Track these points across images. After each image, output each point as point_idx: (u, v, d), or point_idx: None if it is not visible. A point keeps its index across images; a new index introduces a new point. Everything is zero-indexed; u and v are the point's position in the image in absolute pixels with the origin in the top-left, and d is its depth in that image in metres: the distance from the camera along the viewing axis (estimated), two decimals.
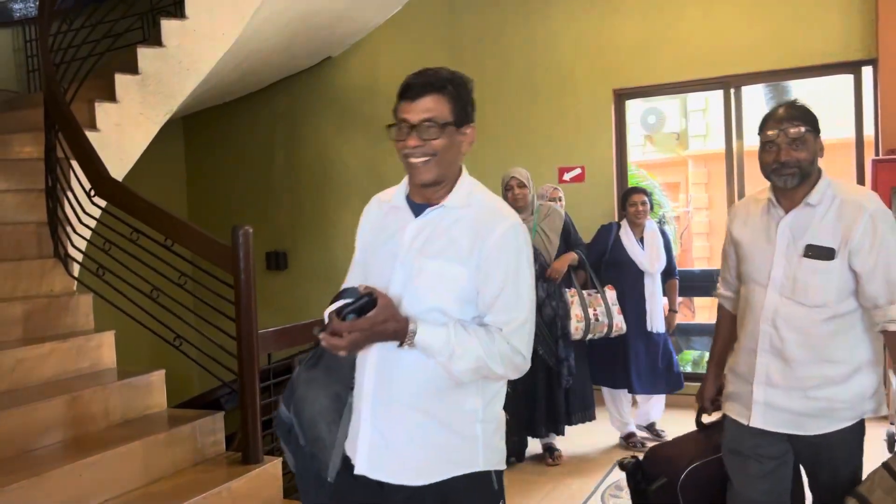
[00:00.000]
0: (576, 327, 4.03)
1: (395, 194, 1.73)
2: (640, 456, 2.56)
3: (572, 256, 4.16)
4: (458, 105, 1.63)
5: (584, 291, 4.16)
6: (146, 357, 3.94)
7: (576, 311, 4.05)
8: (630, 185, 5.42)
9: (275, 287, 6.39)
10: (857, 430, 2.08)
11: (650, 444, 3.93)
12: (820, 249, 2.02)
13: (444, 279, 1.56)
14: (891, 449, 2.06)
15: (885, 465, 2.00)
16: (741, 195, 5.05)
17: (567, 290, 4.12)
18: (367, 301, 1.45)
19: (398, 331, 1.48)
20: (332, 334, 1.44)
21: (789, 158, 2.01)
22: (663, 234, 4.57)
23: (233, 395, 3.96)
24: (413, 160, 1.60)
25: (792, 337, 2.06)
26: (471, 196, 1.63)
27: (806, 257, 2.04)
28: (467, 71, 6.07)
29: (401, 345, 1.49)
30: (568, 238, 4.19)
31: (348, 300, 1.45)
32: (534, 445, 4.33)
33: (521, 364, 1.58)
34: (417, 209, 1.66)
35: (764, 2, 4.79)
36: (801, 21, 4.70)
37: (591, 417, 4.25)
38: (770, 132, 2.04)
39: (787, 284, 2.06)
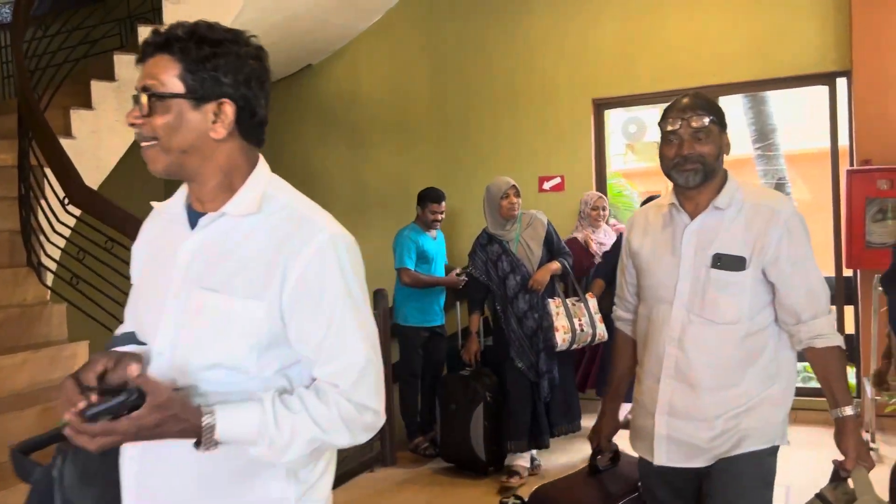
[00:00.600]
0: (563, 339, 3.96)
1: (174, 199, 1.31)
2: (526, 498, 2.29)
3: (555, 266, 4.08)
4: (192, 70, 1.16)
5: (568, 301, 4.08)
6: None
7: (562, 322, 3.97)
8: (609, 195, 5.44)
9: None
10: (769, 464, 1.87)
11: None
12: (730, 259, 1.80)
13: (232, 320, 1.15)
14: (834, 478, 1.88)
15: (818, 495, 1.84)
16: None
17: (551, 300, 4.03)
18: (128, 400, 1.05)
19: (187, 429, 1.08)
20: (79, 433, 1.04)
21: (692, 152, 1.80)
22: None
23: None
24: (141, 144, 1.19)
25: (700, 359, 1.83)
26: (267, 199, 1.22)
27: (714, 268, 1.81)
28: (449, 79, 6.12)
29: (198, 445, 1.10)
30: (551, 247, 4.13)
31: (104, 404, 1.04)
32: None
33: (372, 422, 1.20)
34: (194, 219, 1.24)
35: (742, 14, 4.84)
36: (778, 33, 4.75)
37: (577, 428, 4.15)
38: (671, 123, 1.82)
39: (696, 300, 1.83)
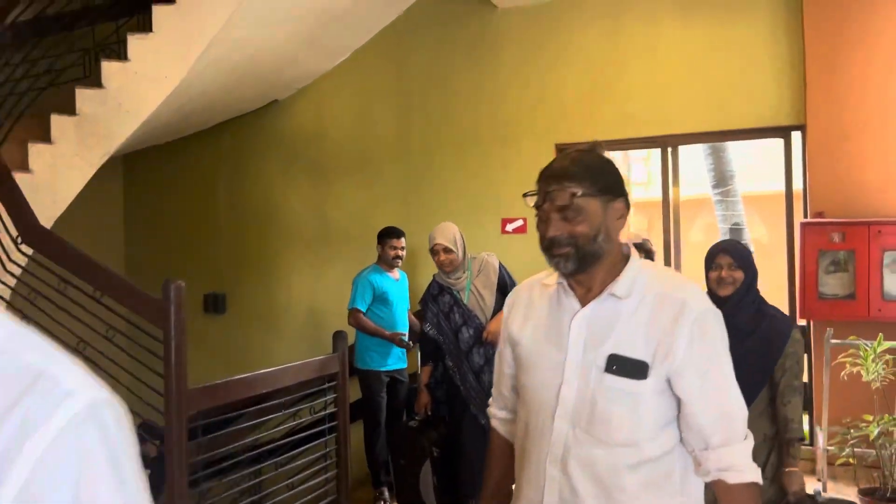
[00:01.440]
0: None
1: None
2: None
3: None
4: None
5: None
6: None
7: None
8: None
9: (212, 331, 6.26)
10: None
11: None
12: (628, 363, 1.41)
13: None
14: None
15: None
16: (676, 245, 5.16)
17: None
18: None
19: None
20: None
21: (559, 234, 1.44)
22: None
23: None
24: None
25: (589, 489, 1.42)
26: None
27: (609, 373, 1.42)
28: (413, 119, 6.18)
29: None
30: (506, 291, 3.82)
31: None
32: None
33: None
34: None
35: (700, 67, 4.96)
36: (735, 87, 4.88)
37: None
38: (535, 197, 1.50)
39: (583, 411, 1.43)
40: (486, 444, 3.49)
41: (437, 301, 3.98)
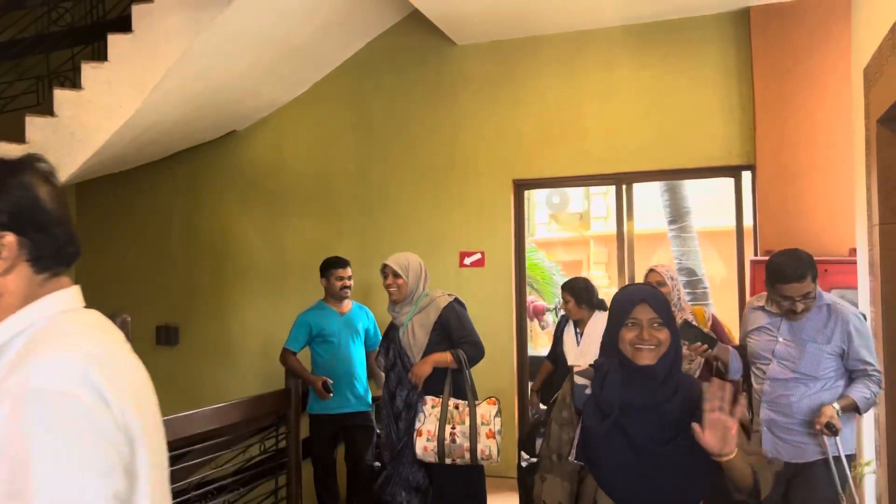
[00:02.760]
0: (424, 447, 3.35)
1: None
2: None
3: (440, 357, 3.51)
4: None
5: (451, 402, 3.45)
6: None
7: (428, 426, 3.36)
8: (529, 269, 5.54)
9: (164, 363, 6.12)
10: None
11: None
12: None
13: None
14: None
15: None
16: (631, 276, 5.23)
17: (430, 397, 3.46)
18: None
19: None
20: None
21: None
22: None
23: None
24: None
25: None
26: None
27: None
28: (373, 153, 6.16)
29: None
30: (449, 333, 3.59)
31: None
32: None
33: None
34: None
35: (652, 108, 5.07)
36: (688, 127, 4.99)
37: None
38: None
39: None
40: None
41: (388, 335, 3.82)
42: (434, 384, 3.51)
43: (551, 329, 4.85)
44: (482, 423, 3.38)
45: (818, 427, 2.97)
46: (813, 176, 4.68)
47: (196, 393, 5.74)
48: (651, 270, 3.87)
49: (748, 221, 5.00)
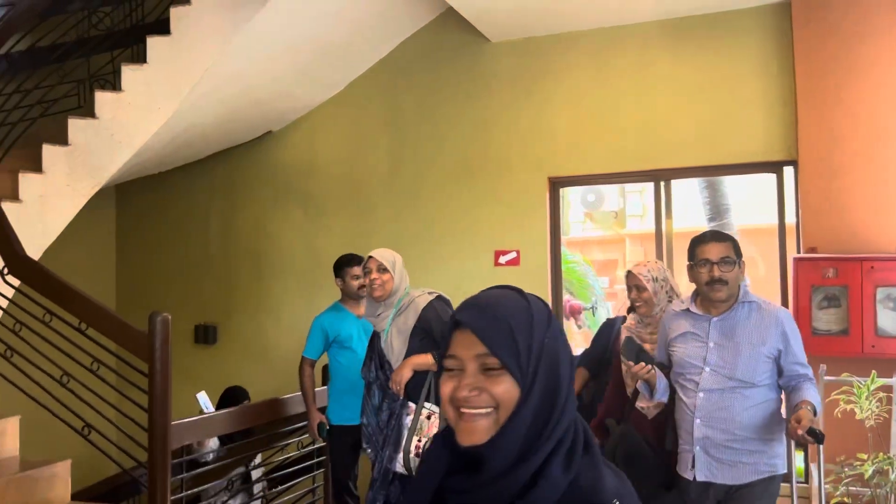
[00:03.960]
0: (397, 458, 3.11)
1: None
2: None
3: (420, 360, 3.19)
4: None
5: (425, 409, 3.12)
6: (57, 442, 3.74)
7: (403, 437, 3.11)
8: (565, 269, 5.47)
9: (202, 362, 6.20)
10: None
11: None
12: None
13: None
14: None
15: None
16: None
17: (410, 404, 3.18)
18: None
19: None
20: None
21: None
22: None
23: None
24: None
25: None
26: None
27: None
28: (406, 152, 6.11)
29: None
30: (432, 336, 3.28)
31: None
32: None
33: None
34: None
35: (690, 102, 4.99)
36: (727, 122, 4.90)
37: None
38: None
39: None
40: None
41: (372, 344, 3.44)
42: (414, 388, 3.20)
43: (588, 330, 4.79)
44: None
45: (799, 434, 2.56)
46: (858, 170, 4.56)
47: None
48: (629, 273, 3.30)
49: (790, 218, 4.90)
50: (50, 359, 3.28)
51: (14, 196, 4.16)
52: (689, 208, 8.37)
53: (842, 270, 4.40)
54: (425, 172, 5.64)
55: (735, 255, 2.81)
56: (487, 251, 5.44)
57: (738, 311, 2.83)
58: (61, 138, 4.42)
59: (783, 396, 2.93)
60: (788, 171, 4.89)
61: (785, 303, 4.84)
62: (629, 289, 3.32)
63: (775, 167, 4.90)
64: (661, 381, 2.89)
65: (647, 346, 3.12)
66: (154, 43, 4.46)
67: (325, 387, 4.38)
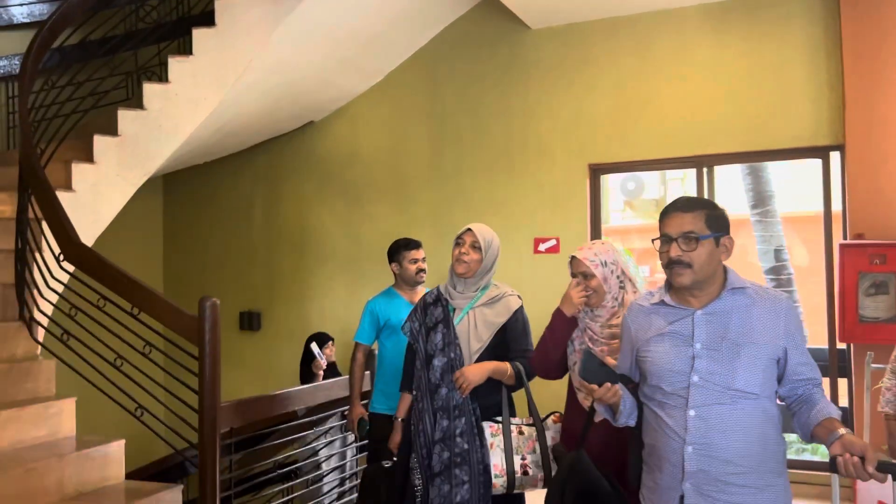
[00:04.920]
0: (493, 483, 2.80)
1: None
2: None
3: (497, 367, 2.91)
4: None
5: (513, 424, 2.85)
6: (110, 423, 3.87)
7: (495, 459, 2.79)
8: None
9: (247, 348, 6.34)
10: None
11: None
12: None
13: None
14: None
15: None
16: None
17: (489, 424, 2.86)
18: None
19: None
20: None
21: None
22: None
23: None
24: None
25: None
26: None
27: None
28: (446, 141, 6.15)
29: None
30: (508, 341, 3.02)
31: None
32: None
33: None
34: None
35: (734, 87, 4.92)
36: (771, 107, 4.83)
37: None
38: None
39: None
40: None
41: (427, 311, 3.13)
42: (482, 397, 2.95)
43: None
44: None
45: (869, 472, 1.82)
46: None
47: (278, 377, 5.92)
48: (572, 259, 2.73)
49: (836, 205, 4.81)
50: (104, 342, 3.39)
51: (67, 186, 4.29)
52: (732, 196, 8.25)
53: (889, 257, 4.33)
54: (465, 160, 5.67)
55: (708, 228, 2.11)
56: (527, 238, 5.45)
57: (726, 300, 2.14)
58: (111, 129, 4.54)
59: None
60: (835, 157, 4.80)
61: (831, 290, 4.77)
62: (573, 276, 2.72)
63: (821, 152, 4.82)
64: (626, 401, 2.23)
65: (607, 357, 2.55)
66: (199, 35, 4.55)
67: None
